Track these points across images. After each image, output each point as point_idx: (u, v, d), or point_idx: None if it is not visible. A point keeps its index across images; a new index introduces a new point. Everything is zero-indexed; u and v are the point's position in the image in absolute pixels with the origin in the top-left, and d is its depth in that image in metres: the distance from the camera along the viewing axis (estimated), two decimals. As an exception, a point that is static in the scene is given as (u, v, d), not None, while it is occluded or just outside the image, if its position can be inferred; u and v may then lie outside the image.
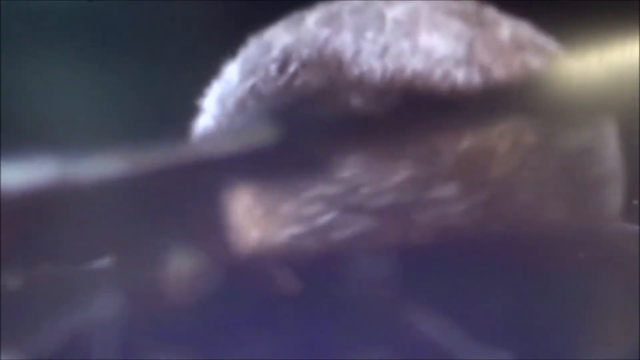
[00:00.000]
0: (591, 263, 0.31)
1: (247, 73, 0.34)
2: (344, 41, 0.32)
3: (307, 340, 0.31)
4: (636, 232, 0.32)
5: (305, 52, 0.32)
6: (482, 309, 0.31)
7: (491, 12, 0.35)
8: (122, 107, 0.40)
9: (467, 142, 0.29)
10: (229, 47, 0.36)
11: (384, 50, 0.31)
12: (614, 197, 0.33)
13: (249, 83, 0.34)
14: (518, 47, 0.33)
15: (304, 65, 0.32)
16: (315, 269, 0.31)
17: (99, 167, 0.32)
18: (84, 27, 0.41)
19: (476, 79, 0.31)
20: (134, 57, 0.41)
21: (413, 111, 0.30)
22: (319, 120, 0.30)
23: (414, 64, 0.30)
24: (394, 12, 0.33)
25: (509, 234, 0.30)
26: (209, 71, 0.37)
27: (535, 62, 0.33)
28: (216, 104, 0.36)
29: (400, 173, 0.29)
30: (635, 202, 0.33)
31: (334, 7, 0.35)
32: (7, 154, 0.34)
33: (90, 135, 0.38)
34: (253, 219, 0.32)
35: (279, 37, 0.35)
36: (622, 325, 0.32)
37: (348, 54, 0.31)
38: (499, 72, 0.32)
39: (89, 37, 0.41)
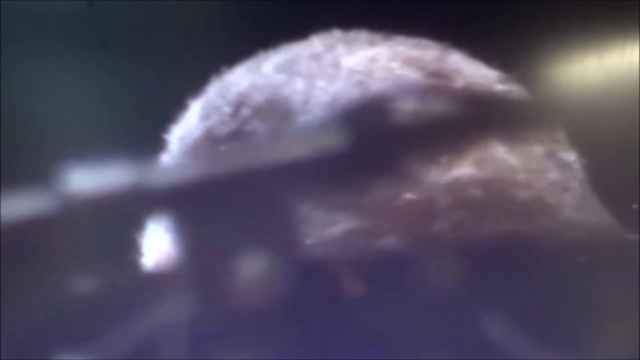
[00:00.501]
0: (591, 266, 0.31)
1: (205, 115, 0.35)
2: (296, 89, 0.32)
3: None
4: (636, 236, 0.32)
5: (257, 98, 0.33)
6: (482, 312, 0.31)
7: (454, 59, 0.35)
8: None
9: (409, 195, 0.29)
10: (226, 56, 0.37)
11: (333, 100, 0.31)
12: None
13: (205, 125, 0.34)
14: (472, 98, 0.33)
15: (255, 111, 0.32)
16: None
17: (165, 174, 0.33)
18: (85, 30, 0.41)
19: (424, 130, 0.31)
20: (135, 57, 0.41)
21: (356, 162, 0.30)
22: (264, 169, 0.30)
23: (360, 115, 0.31)
24: (350, 61, 0.33)
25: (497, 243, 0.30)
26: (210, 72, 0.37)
27: (490, 112, 0.33)
28: (178, 141, 0.36)
29: (341, 225, 0.29)
30: (635, 206, 0.33)
31: (295, 50, 0.35)
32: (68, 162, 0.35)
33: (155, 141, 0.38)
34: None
35: (237, 80, 0.35)
36: (622, 326, 0.32)
37: (297, 102, 0.32)
38: (449, 122, 0.32)
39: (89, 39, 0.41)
